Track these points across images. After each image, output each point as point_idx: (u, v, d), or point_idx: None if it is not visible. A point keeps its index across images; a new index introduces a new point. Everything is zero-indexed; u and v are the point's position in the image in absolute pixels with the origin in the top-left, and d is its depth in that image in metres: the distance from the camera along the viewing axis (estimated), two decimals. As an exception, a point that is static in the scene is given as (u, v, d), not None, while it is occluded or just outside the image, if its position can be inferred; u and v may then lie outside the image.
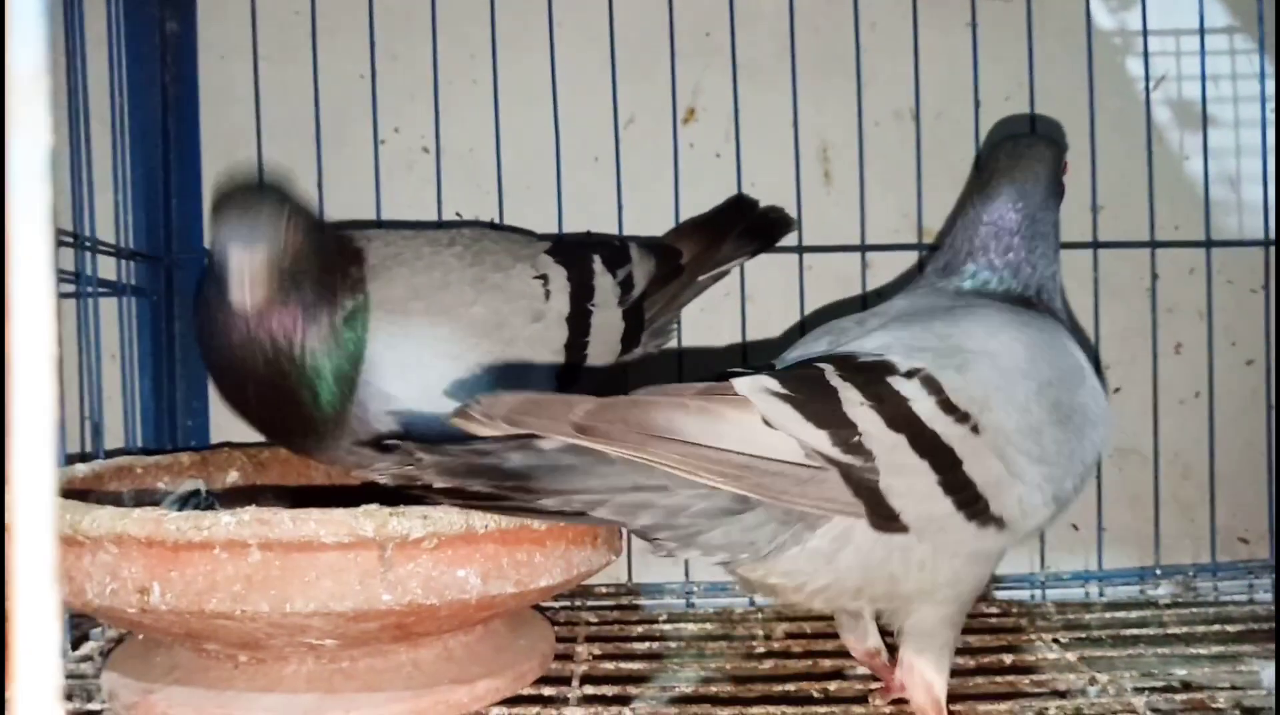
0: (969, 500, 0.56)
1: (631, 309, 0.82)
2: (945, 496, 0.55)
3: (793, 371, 0.57)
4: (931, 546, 0.57)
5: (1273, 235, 0.97)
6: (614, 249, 0.84)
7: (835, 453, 0.54)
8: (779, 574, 0.57)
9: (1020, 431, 0.58)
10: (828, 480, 0.53)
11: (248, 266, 0.63)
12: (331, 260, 0.71)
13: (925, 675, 0.60)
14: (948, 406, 0.56)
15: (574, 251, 0.81)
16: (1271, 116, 0.98)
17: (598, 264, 0.81)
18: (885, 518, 0.55)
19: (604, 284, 0.80)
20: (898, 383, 0.56)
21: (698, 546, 0.56)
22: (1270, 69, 0.99)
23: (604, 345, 0.79)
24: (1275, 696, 0.68)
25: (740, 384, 0.54)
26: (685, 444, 0.51)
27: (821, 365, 0.57)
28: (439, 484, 0.52)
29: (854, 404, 0.55)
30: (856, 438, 0.54)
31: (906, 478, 0.54)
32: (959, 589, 0.60)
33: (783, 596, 0.60)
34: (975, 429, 0.57)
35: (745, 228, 0.92)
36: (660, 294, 0.85)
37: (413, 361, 0.70)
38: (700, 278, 0.89)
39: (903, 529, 0.55)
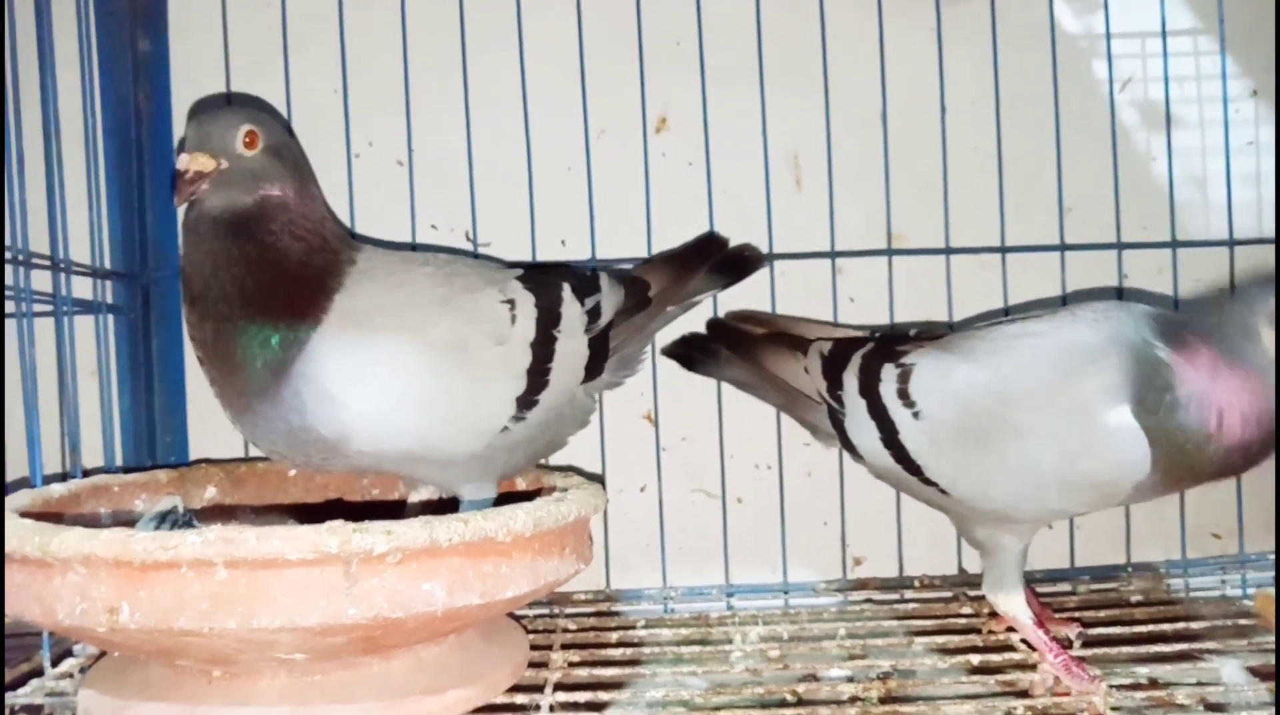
0: (903, 459, 0.76)
1: (597, 338, 0.82)
2: (885, 450, 0.77)
3: (849, 341, 0.82)
4: (897, 484, 0.80)
5: (1237, 235, 0.98)
6: (584, 278, 0.84)
7: (826, 396, 0.81)
8: (851, 450, 0.82)
9: (956, 427, 0.73)
10: (822, 411, 0.82)
11: (188, 164, 0.70)
12: (320, 217, 0.75)
13: (995, 599, 0.77)
14: (903, 392, 0.76)
15: (544, 279, 0.82)
16: (1234, 117, 1.00)
17: (566, 292, 0.81)
18: (849, 447, 0.81)
19: (571, 312, 0.81)
20: (887, 367, 0.77)
21: (801, 425, 0.89)
22: (1232, 69, 1.00)
23: (567, 371, 0.80)
24: (1276, 688, 0.69)
25: (811, 346, 0.83)
26: (763, 368, 0.86)
27: (873, 344, 0.80)
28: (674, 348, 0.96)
29: (850, 371, 0.79)
30: (839, 392, 0.80)
31: (860, 426, 0.78)
32: (974, 534, 0.78)
33: None
34: (917, 414, 0.74)
35: (716, 264, 0.93)
36: (626, 325, 0.86)
37: (365, 371, 0.71)
38: (668, 309, 0.90)
39: (861, 459, 0.81)
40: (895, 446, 0.76)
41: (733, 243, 0.96)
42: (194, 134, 0.72)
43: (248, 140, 0.72)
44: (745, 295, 0.99)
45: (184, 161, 0.71)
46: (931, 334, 0.81)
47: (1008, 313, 0.99)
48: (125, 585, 0.56)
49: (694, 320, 0.96)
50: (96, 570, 0.57)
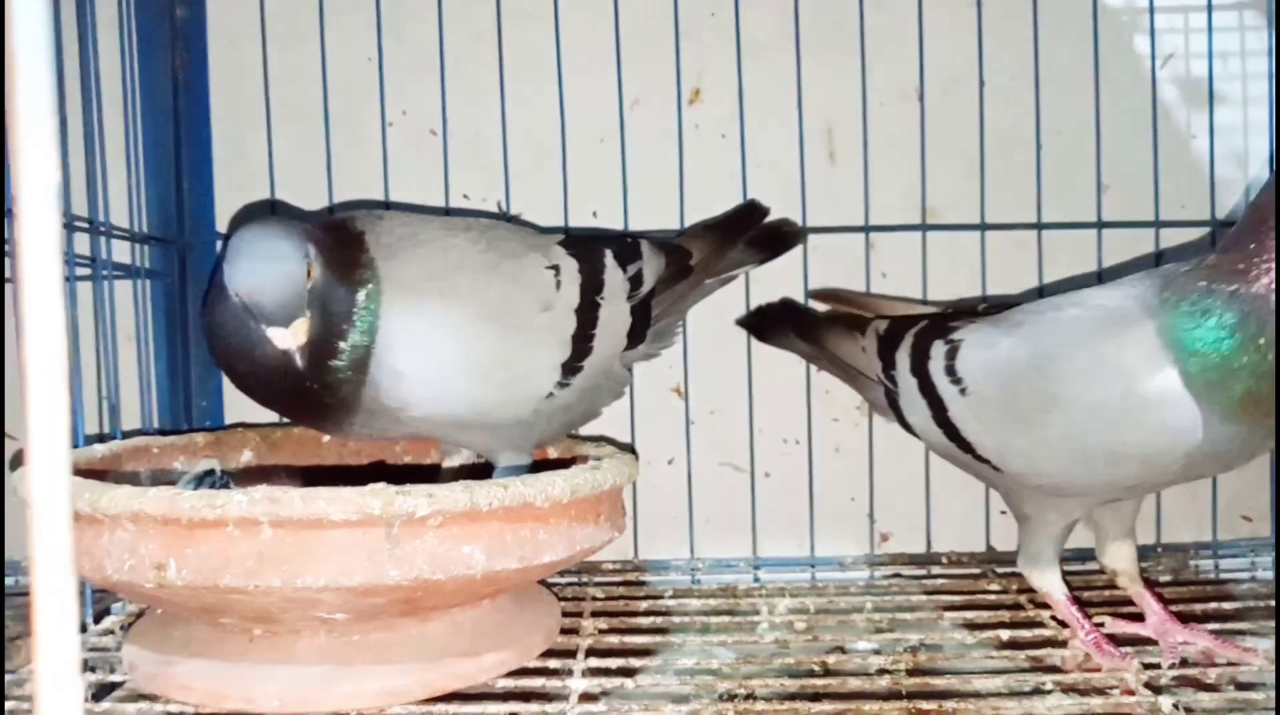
0: (954, 436, 0.76)
1: (639, 305, 0.83)
2: (937, 428, 0.77)
3: (904, 319, 0.83)
4: (953, 460, 0.80)
5: None
6: (625, 245, 0.84)
7: (882, 376, 0.82)
8: (908, 428, 0.82)
9: (999, 402, 0.72)
10: (880, 390, 0.83)
11: (286, 329, 0.65)
12: (341, 256, 0.70)
13: (1029, 574, 0.78)
14: (950, 370, 0.75)
15: (586, 245, 0.82)
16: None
17: (609, 258, 0.81)
18: (904, 423, 0.81)
19: (614, 278, 0.81)
20: (936, 344, 0.77)
21: (867, 402, 0.92)
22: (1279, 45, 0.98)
23: (610, 338, 0.80)
24: (1275, 673, 0.69)
25: (869, 326, 0.84)
26: (825, 348, 0.88)
27: (926, 322, 0.81)
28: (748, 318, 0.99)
29: (903, 350, 0.80)
30: (893, 372, 0.80)
31: (913, 404, 0.79)
32: (1023, 508, 0.78)
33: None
34: (964, 391, 0.74)
35: (755, 236, 0.93)
36: (668, 293, 0.86)
37: (426, 340, 0.71)
38: (708, 281, 0.90)
39: (916, 435, 0.81)
40: (945, 424, 0.76)
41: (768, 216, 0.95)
42: (278, 308, 0.65)
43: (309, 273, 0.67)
44: (778, 269, 0.99)
45: (287, 339, 0.65)
46: (1000, 306, 0.79)
47: (1042, 292, 0.99)
48: (173, 542, 0.57)
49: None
50: (145, 527, 0.58)
